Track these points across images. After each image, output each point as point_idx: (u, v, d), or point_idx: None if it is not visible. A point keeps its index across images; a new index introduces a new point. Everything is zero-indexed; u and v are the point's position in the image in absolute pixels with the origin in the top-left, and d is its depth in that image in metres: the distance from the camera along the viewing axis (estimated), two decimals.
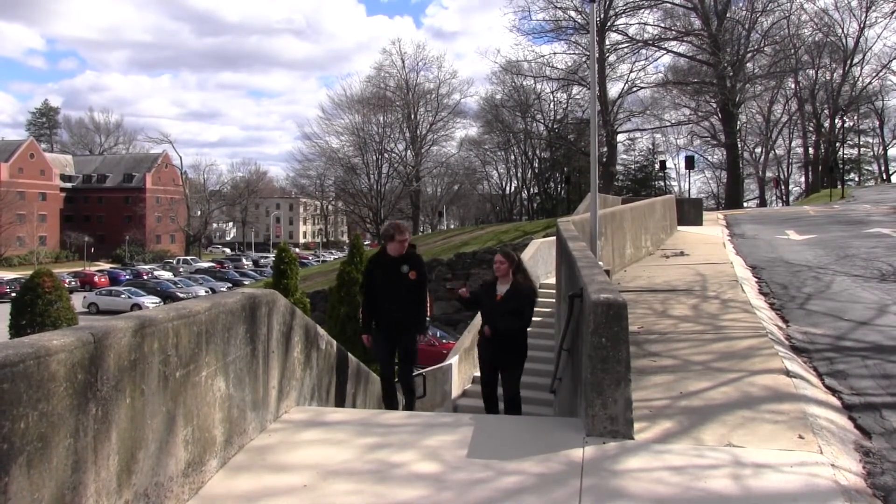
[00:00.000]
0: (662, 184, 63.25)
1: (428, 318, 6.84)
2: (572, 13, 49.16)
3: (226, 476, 3.67)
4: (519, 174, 73.91)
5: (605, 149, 49.39)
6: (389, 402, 6.71)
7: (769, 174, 71.17)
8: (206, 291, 46.46)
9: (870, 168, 74.09)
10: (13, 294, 32.22)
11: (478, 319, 13.43)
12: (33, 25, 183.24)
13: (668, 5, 51.57)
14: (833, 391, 5.65)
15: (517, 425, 4.71)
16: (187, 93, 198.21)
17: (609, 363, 4.20)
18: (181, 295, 43.04)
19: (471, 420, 4.72)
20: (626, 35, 50.90)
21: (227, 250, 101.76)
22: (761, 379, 5.59)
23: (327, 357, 6.16)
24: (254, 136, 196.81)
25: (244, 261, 76.85)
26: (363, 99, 69.38)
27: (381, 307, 6.38)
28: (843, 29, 60.06)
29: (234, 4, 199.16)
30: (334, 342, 6.46)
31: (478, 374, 14.62)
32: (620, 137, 57.78)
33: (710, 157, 68.83)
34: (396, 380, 6.85)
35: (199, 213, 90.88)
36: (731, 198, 53.55)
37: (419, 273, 6.40)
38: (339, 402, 6.50)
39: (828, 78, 61.57)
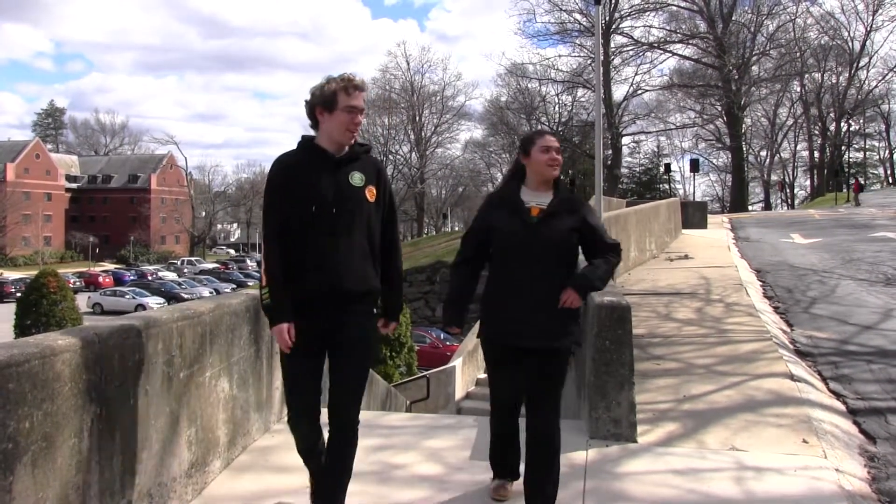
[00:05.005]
0: (667, 187, 63.23)
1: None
2: (577, 16, 49.19)
3: (229, 477, 3.68)
4: None
5: (610, 151, 49.34)
6: (313, 465, 3.17)
7: (774, 177, 70.98)
8: (211, 292, 46.50)
9: (875, 172, 73.90)
10: (18, 294, 32.34)
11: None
12: (41, 28, 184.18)
13: (674, 8, 51.55)
14: (837, 395, 5.64)
15: (520, 427, 4.71)
16: (192, 94, 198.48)
17: (612, 366, 4.20)
18: (185, 296, 43.06)
19: (474, 422, 4.72)
20: (632, 38, 50.88)
21: (232, 251, 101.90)
22: (765, 382, 5.58)
23: None
24: (258, 137, 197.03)
25: (248, 262, 76.94)
26: (368, 101, 68.67)
27: (311, 266, 2.93)
28: (849, 32, 59.99)
29: (239, 7, 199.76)
30: None
31: (482, 375, 14.49)
32: (625, 140, 57.74)
33: (715, 161, 68.75)
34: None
35: (203, 213, 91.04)
36: (736, 201, 53.44)
37: (382, 193, 3.11)
38: None
39: (833, 81, 61.38)
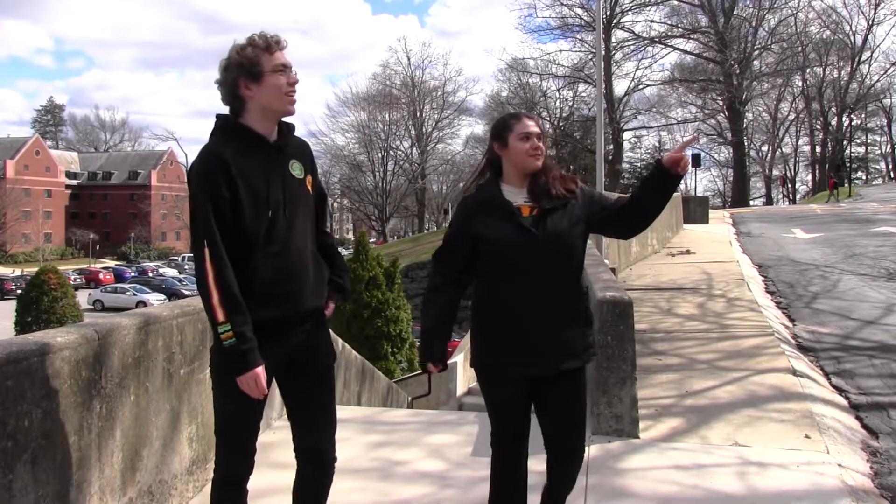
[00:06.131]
0: None
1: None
2: (578, 10, 49.14)
3: None
4: None
5: (612, 147, 49.31)
6: None
7: (776, 172, 70.93)
8: None
9: (877, 166, 73.78)
10: (19, 291, 32.38)
11: None
12: (41, 24, 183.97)
13: (675, 3, 51.50)
14: (840, 390, 5.63)
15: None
16: (193, 91, 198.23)
17: (614, 362, 4.19)
18: (186, 292, 43.04)
19: (475, 418, 4.71)
20: (633, 32, 50.83)
21: None
22: (767, 378, 5.57)
23: None
24: None
25: None
26: (369, 96, 69.45)
27: (270, 287, 2.35)
28: (850, 26, 59.89)
29: (240, 4, 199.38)
30: (339, 339, 6.46)
31: None
32: (626, 135, 57.80)
33: (716, 156, 68.64)
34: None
35: None
36: (738, 196, 53.43)
37: (315, 180, 2.60)
38: (344, 400, 6.50)
39: (835, 76, 61.26)
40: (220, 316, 2.23)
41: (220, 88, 2.40)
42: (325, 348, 2.58)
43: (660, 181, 2.58)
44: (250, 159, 2.34)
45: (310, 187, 2.52)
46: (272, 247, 2.35)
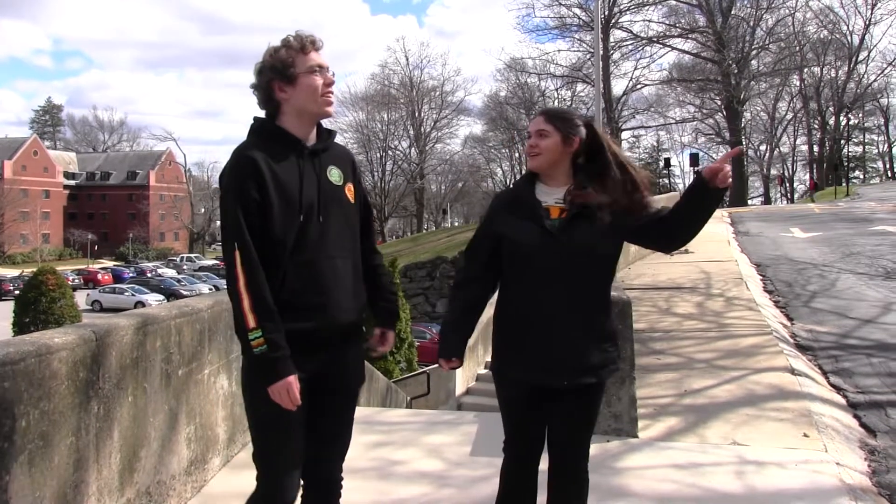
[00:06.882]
0: (667, 181, 63.17)
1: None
2: (576, 10, 49.19)
3: (228, 474, 3.67)
4: (523, 172, 73.83)
5: None
6: None
7: (774, 172, 70.97)
8: (210, 289, 46.45)
9: (875, 166, 73.91)
10: (17, 292, 32.32)
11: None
12: (40, 25, 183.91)
13: (673, 2, 51.50)
14: (838, 389, 5.63)
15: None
16: (192, 91, 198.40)
17: None
18: (184, 292, 43.04)
19: (474, 418, 4.72)
20: (631, 32, 50.86)
21: None
22: (766, 377, 5.58)
23: None
24: None
25: None
26: (367, 96, 69.45)
27: (301, 298, 2.24)
28: (848, 26, 59.83)
29: (239, 4, 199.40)
30: None
31: (483, 370, 14.44)
32: (625, 135, 57.66)
33: (714, 155, 68.46)
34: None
35: (202, 210, 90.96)
36: (736, 195, 53.39)
37: (359, 190, 2.49)
38: None
39: (833, 75, 61.31)
40: (251, 322, 2.13)
41: (256, 92, 2.35)
42: (354, 369, 2.46)
43: (700, 195, 2.40)
44: (283, 162, 2.26)
45: (351, 196, 2.41)
46: (302, 255, 2.24)
